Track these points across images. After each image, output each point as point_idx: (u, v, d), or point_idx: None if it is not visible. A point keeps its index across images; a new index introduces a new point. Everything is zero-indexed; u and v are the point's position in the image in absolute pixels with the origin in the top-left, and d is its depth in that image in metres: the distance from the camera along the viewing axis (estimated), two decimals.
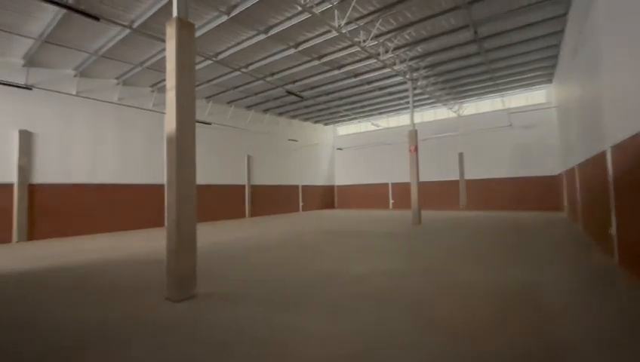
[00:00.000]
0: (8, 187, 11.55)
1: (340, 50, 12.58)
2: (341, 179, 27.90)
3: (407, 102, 20.44)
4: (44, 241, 11.59)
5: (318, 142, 26.65)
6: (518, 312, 3.77)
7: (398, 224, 13.88)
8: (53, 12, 9.03)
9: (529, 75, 16.49)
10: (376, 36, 11.26)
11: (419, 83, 15.88)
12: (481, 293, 4.48)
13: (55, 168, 12.69)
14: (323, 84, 16.50)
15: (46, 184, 12.41)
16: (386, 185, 24.92)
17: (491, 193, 20.17)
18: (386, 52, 12.30)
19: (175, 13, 4.96)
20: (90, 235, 13.04)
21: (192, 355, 2.96)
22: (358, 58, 13.50)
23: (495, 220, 14.30)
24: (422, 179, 22.03)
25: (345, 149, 27.39)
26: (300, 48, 11.98)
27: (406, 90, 17.85)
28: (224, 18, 9.68)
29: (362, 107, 21.48)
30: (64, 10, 8.75)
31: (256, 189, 20.92)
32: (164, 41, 9.41)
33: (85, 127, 13.61)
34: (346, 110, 21.97)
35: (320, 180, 26.72)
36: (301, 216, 19.79)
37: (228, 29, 10.55)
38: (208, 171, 17.80)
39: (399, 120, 24.92)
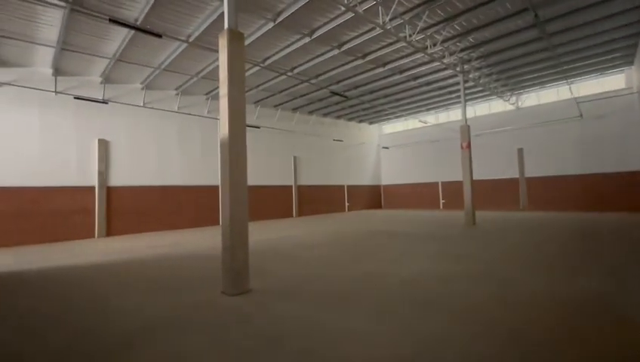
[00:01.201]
0: (90, 190, 13.25)
1: (385, 47, 12.33)
2: (388, 178, 27.30)
3: (458, 97, 19.35)
4: (120, 237, 13.07)
5: (364, 142, 26.40)
6: (589, 327, 3.36)
7: (450, 225, 13.19)
8: (124, 33, 10.16)
9: (603, 58, 14.58)
10: (423, 29, 10.84)
11: (471, 75, 14.94)
12: (547, 304, 4.08)
13: (127, 172, 14.25)
14: (367, 83, 16.31)
15: (120, 186, 14.00)
16: (436, 184, 23.83)
17: (557, 192, 18.22)
18: (434, 45, 11.77)
19: (226, 24, 5.28)
20: (157, 232, 14.40)
21: (248, 348, 3.12)
22: (403, 54, 13.11)
23: (563, 222, 12.90)
24: (476, 177, 20.69)
25: (391, 148, 26.75)
26: (344, 48, 11.98)
27: (457, 84, 16.90)
28: (270, 25, 10.06)
29: (409, 104, 20.81)
30: (133, 31, 9.80)
31: (302, 189, 21.37)
32: (216, 51, 10.03)
33: (151, 135, 15.08)
34: (391, 108, 21.47)
35: (366, 180, 26.43)
36: (347, 216, 19.76)
37: (274, 35, 10.94)
38: (257, 172, 18.60)
39: (449, 115, 23.69)
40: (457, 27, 11.11)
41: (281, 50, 12.02)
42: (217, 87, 15.48)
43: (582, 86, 17.95)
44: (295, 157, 21.10)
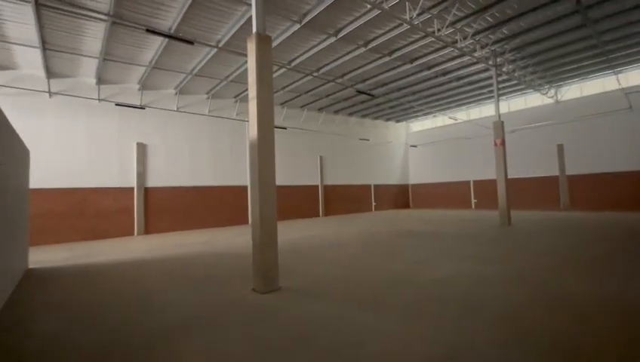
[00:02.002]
0: (130, 190, 14.09)
1: (412, 42, 12.06)
2: (416, 177, 26.68)
3: (491, 91, 18.52)
4: (157, 235, 13.79)
5: (390, 140, 25.98)
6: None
7: (483, 225, 12.66)
8: (159, 42, 10.71)
9: None
10: (453, 23, 10.49)
11: (504, 68, 14.25)
12: (592, 310, 3.81)
13: (162, 173, 15.01)
14: (394, 80, 16.03)
15: (156, 187, 14.78)
16: (467, 182, 22.95)
17: (604, 190, 16.91)
18: (464, 38, 11.35)
19: (254, 29, 5.42)
20: (190, 231, 15.05)
21: (279, 344, 3.19)
22: (432, 49, 12.76)
23: (608, 223, 11.96)
24: (511, 175, 19.73)
25: (419, 146, 26.12)
26: (370, 46, 11.86)
27: (489, 78, 16.18)
28: (296, 27, 10.17)
29: (438, 100, 20.20)
30: (167, 39, 10.31)
31: (328, 189, 21.41)
32: (244, 55, 10.34)
33: (184, 138, 15.78)
34: (419, 105, 20.95)
35: (393, 179, 26.00)
36: (374, 216, 19.55)
37: (300, 37, 11.05)
38: (284, 173, 18.88)
39: (481, 111, 22.73)
40: (489, 19, 10.64)
41: (307, 51, 12.12)
42: (245, 90, 15.90)
43: (631, 75, 16.53)
44: (321, 157, 21.18)
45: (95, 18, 9.08)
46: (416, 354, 2.88)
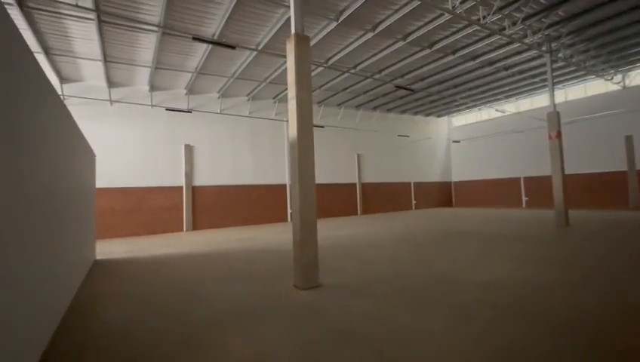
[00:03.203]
0: (179, 189, 15.09)
1: (455, 33, 11.48)
2: (459, 174, 25.43)
3: (544, 80, 17.05)
4: (203, 231, 14.63)
5: (431, 136, 25.01)
6: None
7: (536, 225, 11.73)
8: (203, 48, 11.31)
9: None
10: (500, 9, 9.80)
11: (560, 54, 13.03)
12: None
13: (208, 173, 15.87)
14: (435, 73, 15.39)
15: (202, 186, 15.66)
16: (517, 180, 21.40)
17: None
18: (513, 25, 10.56)
19: (293, 29, 5.51)
20: (233, 228, 15.75)
21: (321, 339, 3.24)
22: (476, 38, 12.04)
23: None
24: (569, 171, 18.05)
25: (463, 141, 24.84)
26: (409, 39, 11.50)
27: (542, 66, 14.93)
28: (333, 25, 10.17)
29: (483, 92, 19.04)
30: (211, 46, 10.86)
31: (367, 187, 21.18)
32: (283, 56, 10.58)
33: (227, 139, 16.53)
34: (462, 98, 19.91)
35: (434, 176, 25.02)
36: (414, 215, 18.98)
37: (337, 34, 11.03)
38: (321, 171, 19.01)
39: (533, 102, 21.03)
40: (543, 1, 9.78)
41: (344, 48, 12.06)
42: (283, 91, 16.24)
43: None
44: (359, 155, 21.00)
45: (148, 30, 9.84)
46: (463, 358, 2.76)
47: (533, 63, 14.74)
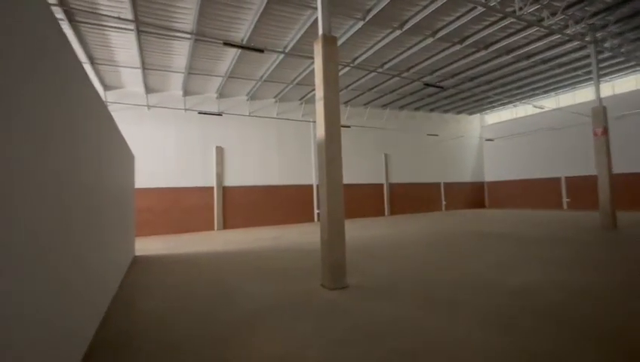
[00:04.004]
0: (210, 189, 15.66)
1: (487, 26, 11.00)
2: (492, 174, 24.32)
3: (588, 73, 15.92)
4: (233, 230, 15.08)
5: (462, 135, 24.12)
6: None
7: (578, 228, 10.96)
8: (233, 53, 11.67)
9: None
10: None
11: (606, 44, 12.09)
12: None
13: (237, 174, 16.34)
14: (466, 70, 14.84)
15: (232, 186, 16.15)
16: (557, 179, 20.11)
17: None
18: (552, 15, 9.94)
19: (320, 31, 5.54)
20: (261, 227, 16.10)
21: (349, 340, 3.23)
22: (511, 31, 11.47)
23: None
24: (617, 170, 16.70)
25: (496, 140, 23.73)
26: (438, 35, 11.17)
27: (584, 58, 13.94)
28: (360, 24, 10.10)
29: (519, 88, 18.08)
30: (240, 50, 11.18)
31: (394, 188, 20.82)
32: (310, 58, 10.65)
33: (255, 140, 16.93)
34: (496, 95, 19.02)
35: (466, 176, 24.11)
36: (444, 216, 18.39)
37: (364, 33, 10.95)
38: (348, 171, 18.92)
39: (574, 97, 19.69)
40: None
41: (371, 47, 11.95)
42: (310, 92, 16.36)
43: None
44: (386, 155, 20.70)
45: (181, 37, 10.31)
46: None
47: (576, 55, 13.79)
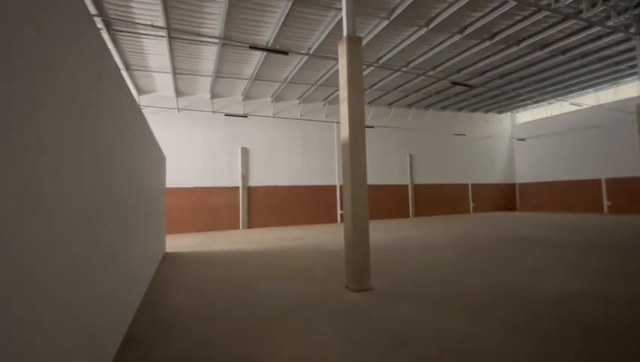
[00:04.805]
0: (236, 189, 16.06)
1: (519, 21, 10.53)
2: (524, 175, 23.21)
3: (632, 67, 14.82)
4: (257, 230, 15.38)
5: (491, 134, 23.21)
6: None
7: (620, 233, 10.22)
8: (258, 56, 11.91)
9: None
10: None
11: None
12: None
13: (262, 174, 16.64)
14: (496, 67, 14.27)
15: (257, 187, 16.47)
16: (597, 181, 18.86)
17: None
18: (592, 6, 9.35)
19: (345, 32, 5.54)
20: (285, 226, 16.30)
21: (374, 344, 3.21)
22: (546, 25, 10.90)
23: None
24: None
25: (528, 139, 22.63)
26: (466, 32, 10.83)
27: (629, 51, 13.02)
28: (385, 23, 10.00)
29: (554, 85, 17.14)
30: (265, 53, 11.39)
31: (419, 189, 20.38)
32: (334, 58, 10.68)
33: (279, 141, 17.18)
34: (528, 92, 18.14)
35: (495, 177, 23.18)
36: (472, 218, 17.77)
37: (389, 32, 10.83)
38: (372, 172, 18.73)
39: (616, 93, 18.39)
40: None
41: (396, 46, 11.78)
42: (333, 93, 16.38)
43: None
44: (411, 155, 20.31)
45: (209, 42, 10.66)
46: None
47: (619, 48, 12.89)
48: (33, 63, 1.47)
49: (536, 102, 20.87)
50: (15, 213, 1.30)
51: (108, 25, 9.45)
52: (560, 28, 10.93)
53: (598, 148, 18.80)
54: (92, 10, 8.44)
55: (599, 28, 10.66)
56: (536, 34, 11.43)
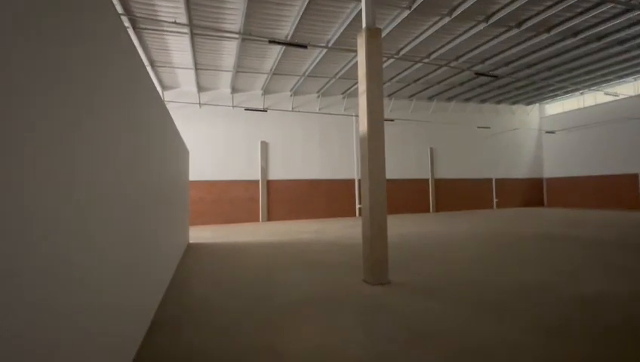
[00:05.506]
0: (256, 183, 16.34)
1: (550, 7, 9.97)
2: (553, 169, 22.20)
3: None
4: (277, 222, 15.62)
5: (517, 127, 22.29)
6: None
7: None
8: (277, 50, 11.97)
9: None
10: None
11: None
12: None
13: (281, 168, 16.83)
14: (523, 56, 13.63)
15: (276, 180, 16.69)
16: (634, 176, 17.76)
17: None
18: None
19: (364, 23, 5.47)
20: (303, 220, 16.46)
21: (394, 337, 3.22)
22: (580, 10, 10.28)
23: None
24: None
25: (558, 132, 21.57)
26: (492, 20, 10.39)
27: None
28: (405, 13, 9.76)
29: (587, 73, 16.19)
30: (284, 47, 11.43)
31: (440, 183, 19.96)
32: (353, 51, 10.57)
33: (298, 135, 17.27)
34: (559, 82, 17.22)
35: (521, 172, 22.31)
36: (496, 214, 17.24)
37: (409, 23, 10.57)
38: (392, 165, 18.52)
39: None
40: None
41: (417, 37, 11.49)
42: (352, 86, 16.23)
43: None
44: (432, 149, 19.88)
45: (230, 37, 10.80)
46: None
47: None
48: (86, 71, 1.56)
49: (567, 92, 19.80)
50: (87, 212, 1.40)
51: (134, 23, 9.78)
52: (594, 13, 10.27)
53: (635, 141, 17.65)
54: (119, 9, 8.75)
55: (639, 12, 9.93)
56: (567, 20, 10.80)
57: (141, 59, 3.26)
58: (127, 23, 9.57)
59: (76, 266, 1.62)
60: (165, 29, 10.16)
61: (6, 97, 1.06)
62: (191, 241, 9.97)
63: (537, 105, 22.85)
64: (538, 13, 10.32)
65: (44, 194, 1.31)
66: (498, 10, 10.08)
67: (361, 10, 5.55)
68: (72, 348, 1.55)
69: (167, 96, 15.10)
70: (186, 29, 10.12)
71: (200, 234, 11.87)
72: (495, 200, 21.28)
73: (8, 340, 1.05)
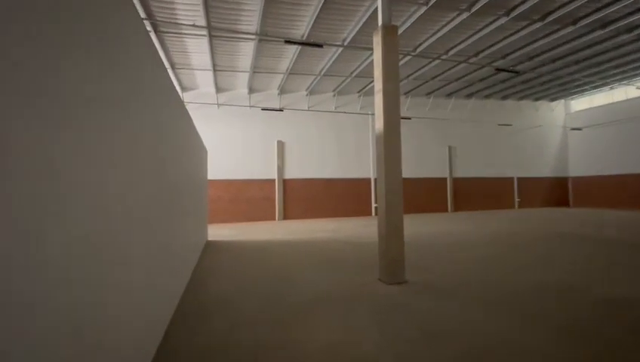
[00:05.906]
0: (272, 182, 16.51)
1: None
2: (579, 168, 21.27)
3: None
4: (293, 221, 15.74)
5: (541, 124, 21.49)
6: None
7: None
8: (293, 50, 12.04)
9: None
10: None
11: None
12: None
13: (297, 167, 16.94)
14: (548, 50, 13.12)
15: (292, 179, 16.81)
16: None
17: None
18: None
19: (380, 21, 5.43)
20: (319, 218, 16.51)
21: (409, 337, 3.20)
22: (607, 1, 9.79)
23: None
24: None
25: (585, 129, 20.64)
26: (514, 14, 10.06)
27: None
28: (423, 9, 9.60)
29: (617, 67, 15.40)
30: (300, 47, 11.48)
31: (459, 182, 19.52)
32: (369, 49, 10.50)
33: (314, 134, 17.32)
34: (586, 76, 16.46)
35: (545, 171, 21.50)
36: (517, 214, 16.70)
37: (427, 19, 10.39)
38: (408, 164, 18.25)
39: None
40: None
41: (435, 33, 11.28)
42: (368, 84, 16.11)
43: None
44: (450, 147, 19.47)
45: (247, 38, 10.96)
46: None
47: None
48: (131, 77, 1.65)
49: (595, 87, 18.91)
50: (119, 217, 1.49)
51: (155, 27, 10.08)
52: (625, 3, 9.75)
53: None
54: (142, 13, 9.05)
55: None
56: (595, 11, 10.32)
57: (163, 62, 3.37)
58: (149, 27, 9.89)
59: (111, 266, 1.71)
60: (184, 31, 10.42)
61: (58, 100, 1.15)
62: (209, 239, 10.21)
63: (562, 101, 21.94)
64: (563, 5, 9.90)
65: (83, 194, 1.40)
66: (520, 4, 9.75)
67: (377, 7, 5.51)
68: (102, 340, 1.64)
69: (186, 97, 15.49)
70: (204, 32, 10.35)
71: (218, 231, 12.12)
72: (517, 199, 20.61)
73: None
